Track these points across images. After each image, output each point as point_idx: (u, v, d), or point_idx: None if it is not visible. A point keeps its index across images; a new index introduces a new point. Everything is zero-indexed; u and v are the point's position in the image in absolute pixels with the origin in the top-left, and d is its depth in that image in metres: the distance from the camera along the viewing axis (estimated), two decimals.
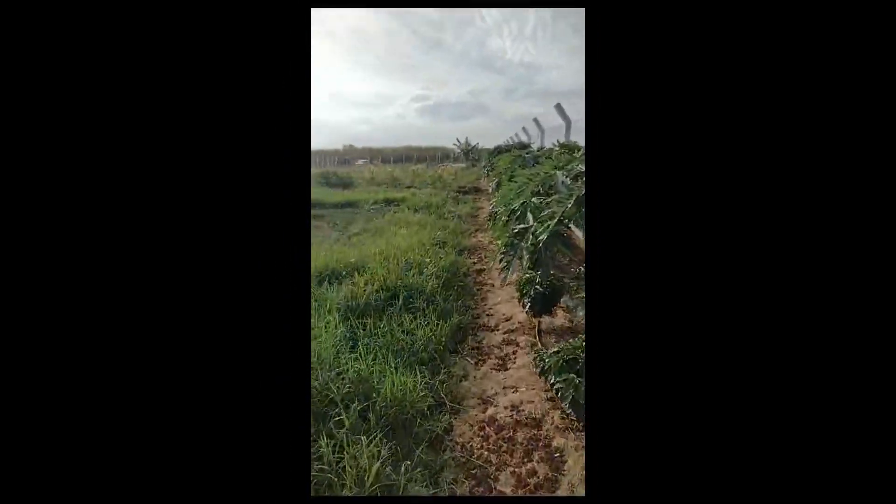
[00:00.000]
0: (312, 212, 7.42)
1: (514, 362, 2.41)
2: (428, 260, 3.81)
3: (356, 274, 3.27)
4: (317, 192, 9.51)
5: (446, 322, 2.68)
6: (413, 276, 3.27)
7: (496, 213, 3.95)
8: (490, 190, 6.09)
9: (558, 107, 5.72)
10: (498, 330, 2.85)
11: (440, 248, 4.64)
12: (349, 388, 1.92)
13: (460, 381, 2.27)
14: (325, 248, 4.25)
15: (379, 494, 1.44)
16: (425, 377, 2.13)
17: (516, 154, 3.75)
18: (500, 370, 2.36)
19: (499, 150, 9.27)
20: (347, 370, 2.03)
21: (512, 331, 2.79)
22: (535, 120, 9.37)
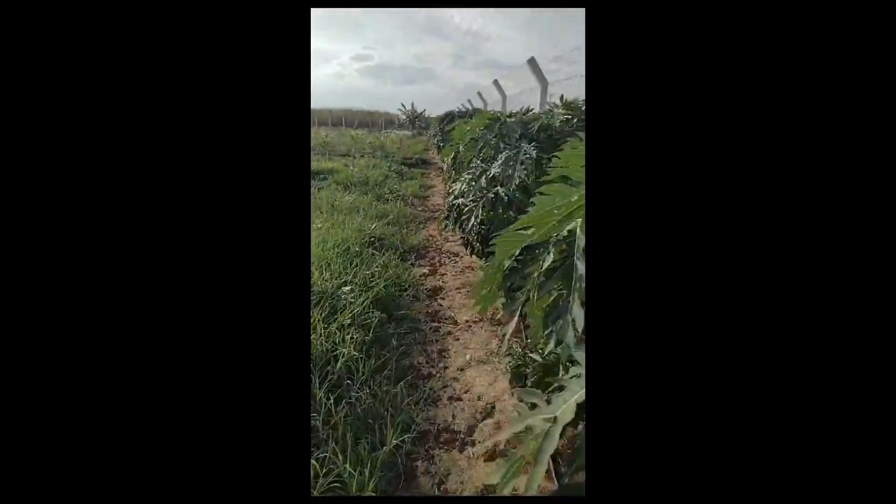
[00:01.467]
0: None
1: None
2: (355, 281, 2.37)
3: None
4: None
5: (376, 450, 1.32)
6: (323, 316, 1.83)
7: (459, 207, 2.57)
8: (445, 166, 4.68)
9: (496, 82, 5.65)
10: (474, 444, 1.54)
11: (376, 250, 3.21)
12: None
13: None
14: None
15: None
16: None
17: (490, 117, 2.36)
18: None
19: (450, 117, 7.80)
20: None
21: (501, 447, 1.49)
22: (479, 93, 8.45)
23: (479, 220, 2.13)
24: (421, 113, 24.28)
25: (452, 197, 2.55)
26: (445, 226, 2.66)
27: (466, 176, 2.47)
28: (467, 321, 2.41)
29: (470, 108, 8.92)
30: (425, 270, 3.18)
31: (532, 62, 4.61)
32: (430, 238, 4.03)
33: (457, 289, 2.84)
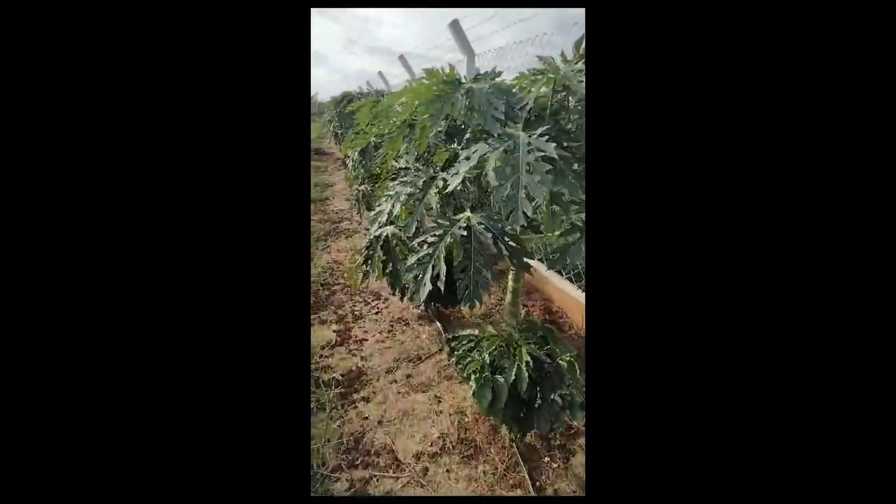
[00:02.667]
0: None
1: None
2: None
3: None
4: None
5: None
6: None
7: (388, 241, 1.47)
8: (349, 161, 3.42)
9: (402, 58, 4.95)
10: None
11: None
12: None
13: None
14: None
15: None
16: None
17: (446, 78, 1.28)
18: None
19: (348, 99, 6.46)
20: None
21: None
22: (380, 73, 7.46)
23: (437, 277, 1.07)
24: (312, 97, 21.78)
25: (377, 225, 1.42)
26: (365, 274, 1.52)
27: (399, 188, 1.37)
28: (419, 455, 1.33)
29: (371, 89, 7.62)
30: (331, 333, 1.99)
31: (455, 25, 3.63)
32: (336, 267, 2.81)
33: (389, 371, 1.73)
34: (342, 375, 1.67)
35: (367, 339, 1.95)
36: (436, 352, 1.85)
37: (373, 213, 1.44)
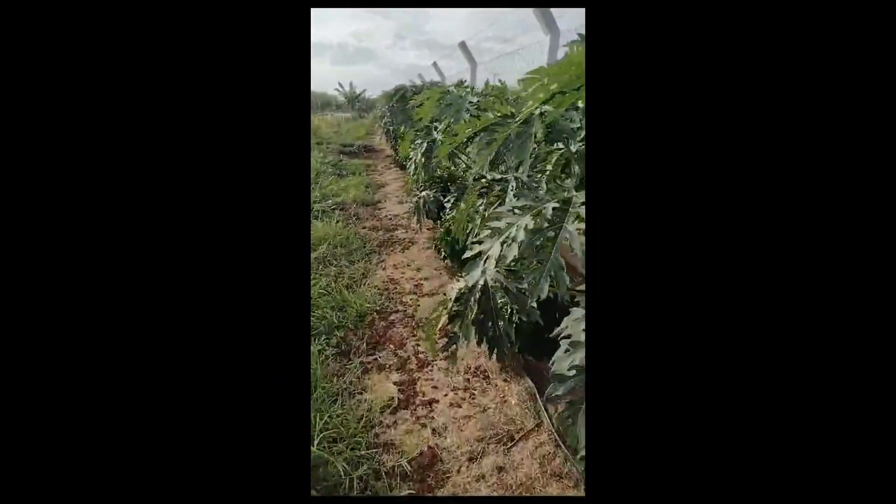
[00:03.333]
0: None
1: None
2: None
3: None
4: None
5: None
6: None
7: (485, 292, 1.00)
8: (412, 164, 3.01)
9: (462, 45, 4.48)
10: None
11: None
12: None
13: None
14: None
15: None
16: None
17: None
18: None
19: (402, 92, 6.10)
20: None
21: None
22: (434, 64, 7.05)
23: None
24: (361, 93, 21.87)
25: (478, 272, 0.96)
26: (451, 339, 1.08)
27: (511, 218, 0.89)
28: None
29: (424, 82, 7.24)
30: (392, 387, 1.57)
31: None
32: (391, 287, 2.41)
33: (472, 458, 1.27)
34: (410, 462, 1.24)
35: (437, 400, 1.52)
36: (533, 428, 1.37)
37: (469, 251, 0.98)
